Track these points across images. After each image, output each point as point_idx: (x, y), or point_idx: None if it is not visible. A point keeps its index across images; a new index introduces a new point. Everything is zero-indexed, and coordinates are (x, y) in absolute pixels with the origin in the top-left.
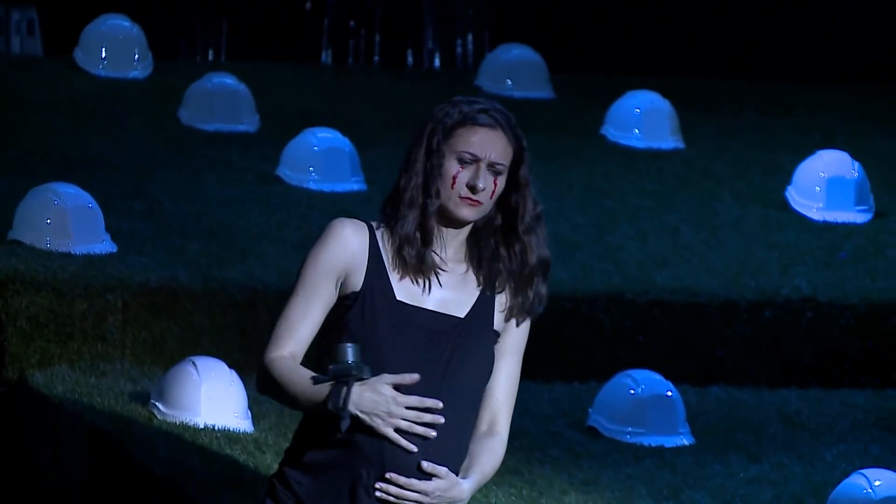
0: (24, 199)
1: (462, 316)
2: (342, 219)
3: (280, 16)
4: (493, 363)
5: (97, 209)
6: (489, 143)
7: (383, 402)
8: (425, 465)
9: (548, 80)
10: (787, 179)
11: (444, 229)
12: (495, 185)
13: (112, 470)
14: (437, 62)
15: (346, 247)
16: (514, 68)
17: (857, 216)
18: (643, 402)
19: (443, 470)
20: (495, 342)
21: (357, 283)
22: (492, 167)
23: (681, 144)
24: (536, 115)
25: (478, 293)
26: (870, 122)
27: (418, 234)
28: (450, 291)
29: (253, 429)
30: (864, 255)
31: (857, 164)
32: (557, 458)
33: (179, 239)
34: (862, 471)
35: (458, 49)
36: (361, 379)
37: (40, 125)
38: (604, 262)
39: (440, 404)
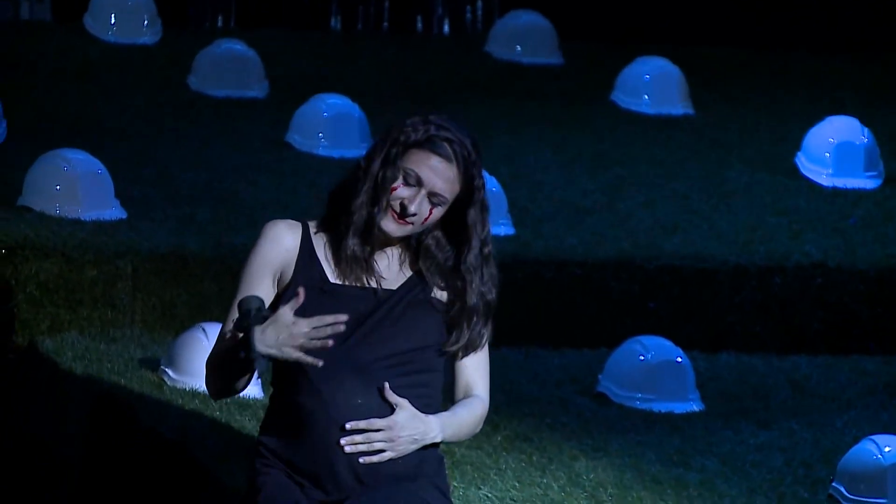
0: (33, 166)
1: (395, 288)
2: (275, 220)
3: None
4: (433, 325)
5: (107, 175)
6: (437, 173)
7: (284, 329)
8: (349, 424)
9: (557, 47)
10: (796, 146)
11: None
12: (430, 213)
13: (121, 436)
14: (446, 28)
15: (279, 245)
16: (524, 34)
17: (867, 182)
18: (653, 369)
19: (402, 400)
20: (437, 309)
21: (289, 275)
22: (432, 196)
23: (690, 111)
24: (546, 81)
25: (411, 273)
26: (879, 89)
27: (363, 239)
28: (386, 271)
29: (263, 395)
30: (873, 221)
31: (866, 130)
32: (567, 424)
33: (189, 205)
34: (872, 437)
35: (468, 15)
36: (263, 319)
37: (49, 91)
38: (613, 229)
39: (342, 317)
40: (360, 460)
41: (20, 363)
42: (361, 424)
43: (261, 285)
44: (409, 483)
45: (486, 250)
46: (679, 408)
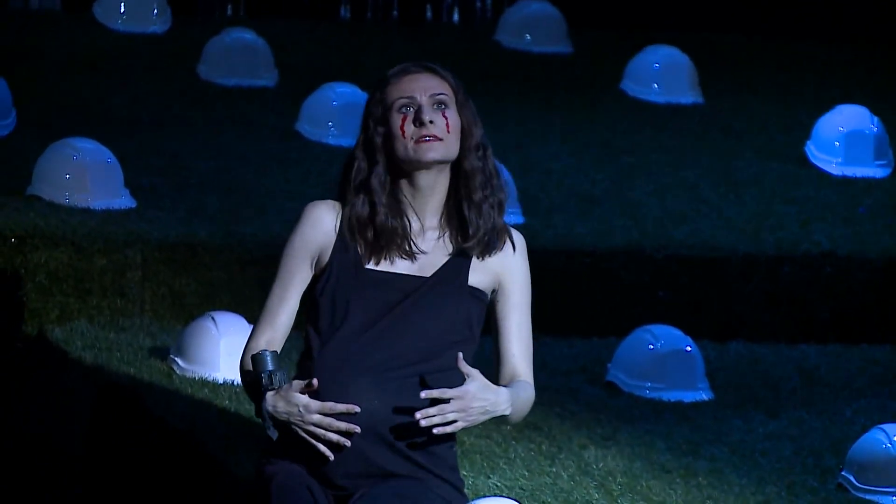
0: (42, 155)
1: (429, 276)
2: (314, 202)
3: None
4: (461, 319)
5: (116, 164)
6: (420, 83)
7: (295, 411)
8: (424, 393)
9: (567, 35)
10: (806, 134)
11: (414, 197)
12: (445, 117)
13: (130, 425)
14: (455, 17)
15: (317, 228)
16: (533, 23)
17: (877, 171)
18: (662, 358)
19: (474, 370)
20: (477, 298)
21: (326, 257)
22: (434, 100)
23: (700, 99)
24: (555, 70)
25: (450, 255)
26: (889, 78)
27: (380, 211)
28: (421, 256)
29: None
30: (883, 210)
31: (876, 119)
32: (576, 413)
33: (198, 194)
34: (881, 426)
35: (478, 4)
36: (273, 389)
37: (59, 80)
38: (623, 218)
39: (356, 408)
40: (434, 431)
41: (29, 352)
42: (434, 394)
43: (299, 270)
44: (421, 479)
45: (488, 152)
46: (688, 397)
